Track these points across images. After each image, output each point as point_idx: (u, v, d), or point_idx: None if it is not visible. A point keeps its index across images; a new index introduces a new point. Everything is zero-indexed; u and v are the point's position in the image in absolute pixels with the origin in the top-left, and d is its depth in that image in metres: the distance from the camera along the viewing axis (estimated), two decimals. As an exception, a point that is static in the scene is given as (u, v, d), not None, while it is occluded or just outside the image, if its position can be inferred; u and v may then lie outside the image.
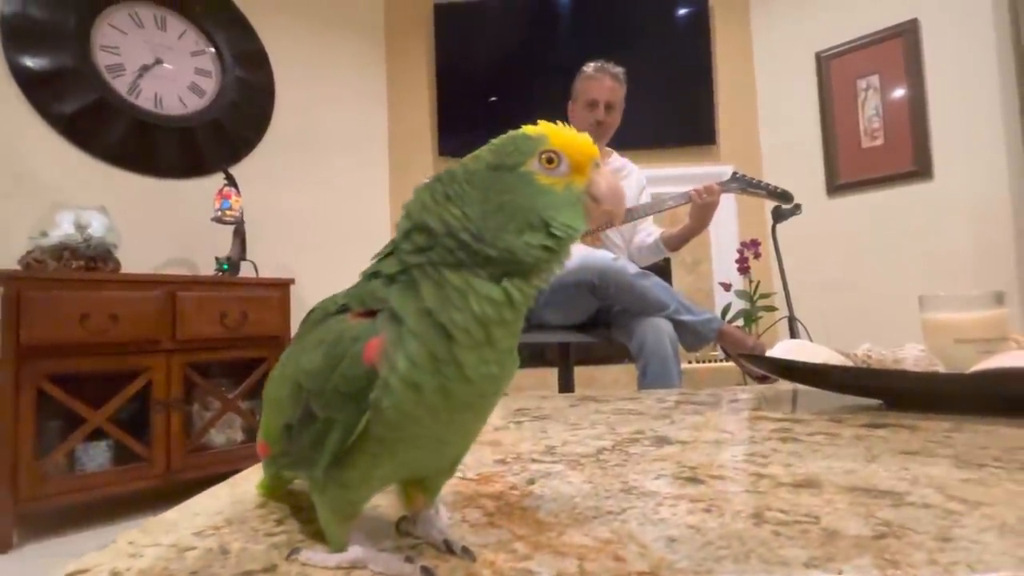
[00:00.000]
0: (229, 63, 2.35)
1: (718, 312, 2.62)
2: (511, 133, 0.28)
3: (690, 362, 2.49)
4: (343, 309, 0.29)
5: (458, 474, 0.44)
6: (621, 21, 2.95)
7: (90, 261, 1.72)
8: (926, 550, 0.27)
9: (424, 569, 0.26)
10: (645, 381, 1.51)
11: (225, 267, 2.04)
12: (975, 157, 2.30)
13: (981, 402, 0.57)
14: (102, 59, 2.05)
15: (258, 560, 0.28)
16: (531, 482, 0.41)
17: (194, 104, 2.26)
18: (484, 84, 2.98)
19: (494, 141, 0.28)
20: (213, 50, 2.33)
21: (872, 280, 2.54)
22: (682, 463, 0.45)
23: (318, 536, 0.30)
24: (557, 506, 0.35)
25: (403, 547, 0.30)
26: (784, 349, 0.79)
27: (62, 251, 1.68)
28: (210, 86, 2.31)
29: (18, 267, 1.68)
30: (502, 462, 0.48)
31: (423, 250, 0.27)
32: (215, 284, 1.95)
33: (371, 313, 0.27)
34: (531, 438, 0.57)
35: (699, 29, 2.94)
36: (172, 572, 0.27)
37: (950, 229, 2.35)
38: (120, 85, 2.08)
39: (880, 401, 0.68)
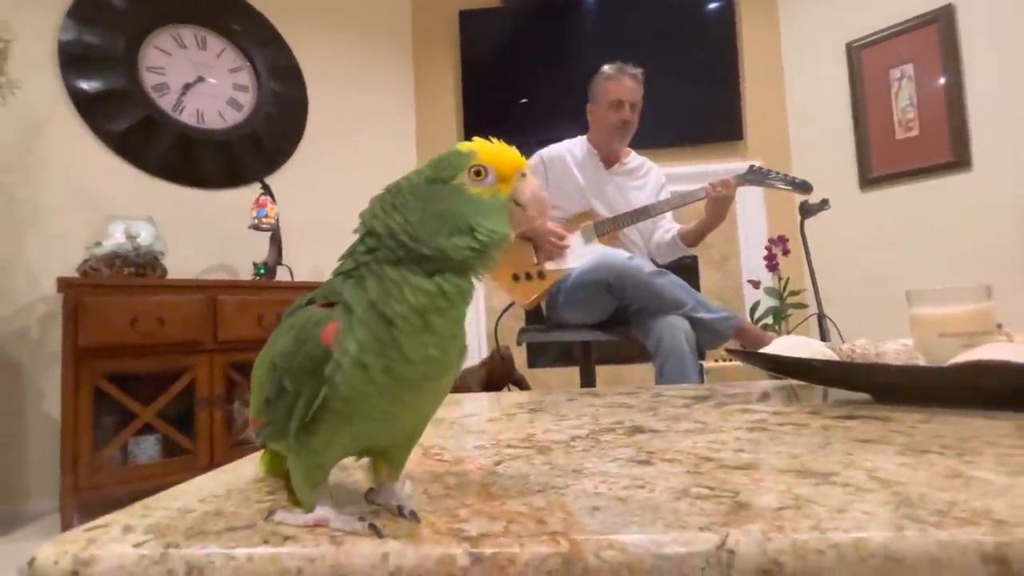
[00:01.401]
0: (265, 78, 2.48)
1: (747, 310, 2.59)
2: (448, 150, 0.33)
3: (716, 360, 2.48)
4: (311, 301, 0.34)
5: (435, 456, 0.49)
6: (646, 18, 2.95)
7: (139, 268, 1.86)
8: (817, 518, 0.30)
9: (371, 526, 0.30)
10: (662, 379, 1.53)
11: (262, 271, 2.15)
12: (1016, 146, 2.21)
13: (959, 394, 0.58)
14: (149, 79, 2.19)
15: (242, 520, 0.34)
16: (498, 463, 0.45)
17: (233, 118, 2.39)
18: (510, 88, 3.03)
19: (434, 157, 0.33)
20: (250, 66, 2.45)
21: (908, 276, 2.46)
22: (643, 449, 0.48)
23: (299, 505, 0.35)
24: (511, 483, 0.40)
25: (364, 511, 0.34)
26: (780, 345, 0.80)
27: (114, 259, 1.82)
28: (247, 100, 2.44)
29: (76, 275, 1.82)
30: (480, 447, 0.52)
31: (372, 251, 0.32)
32: (253, 288, 2.06)
33: (332, 304, 0.32)
34: (516, 428, 0.61)
35: (725, 23, 2.91)
36: (172, 527, 0.33)
37: (990, 221, 2.26)
38: (165, 103, 2.22)
39: (868, 395, 0.69)
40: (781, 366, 0.71)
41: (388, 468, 0.36)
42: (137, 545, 0.30)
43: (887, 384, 0.62)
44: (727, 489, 0.35)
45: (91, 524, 0.34)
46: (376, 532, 0.30)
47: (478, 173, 0.31)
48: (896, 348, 0.63)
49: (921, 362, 0.63)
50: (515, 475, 0.42)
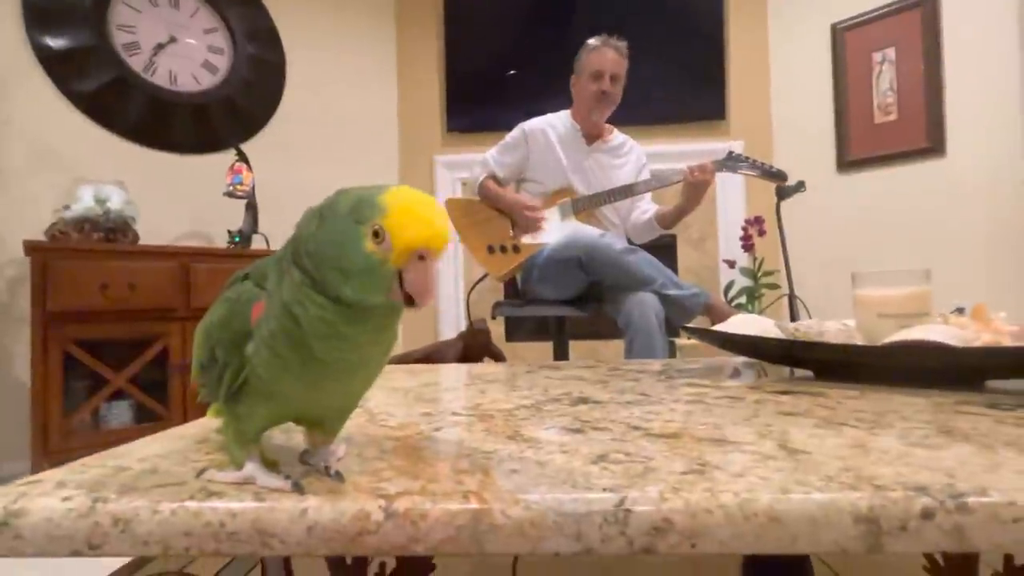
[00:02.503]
0: (241, 41, 2.41)
1: (721, 289, 2.63)
2: (375, 192, 0.30)
3: (688, 337, 2.52)
4: (247, 276, 0.35)
5: (380, 422, 0.50)
6: (633, -7, 2.90)
7: (109, 233, 1.83)
8: (713, 480, 0.32)
9: (294, 484, 0.32)
10: (631, 355, 1.56)
11: (237, 239, 2.13)
12: (990, 134, 2.24)
13: (890, 372, 0.61)
14: (119, 38, 2.12)
15: (174, 477, 0.35)
16: (437, 430, 0.47)
17: (207, 81, 2.33)
18: (493, 60, 2.98)
19: (366, 192, 0.30)
20: (225, 27, 2.38)
21: (879, 258, 2.51)
22: (580, 418, 0.50)
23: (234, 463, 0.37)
24: (444, 447, 0.41)
25: (296, 471, 0.36)
26: (733, 324, 0.83)
27: (83, 224, 1.78)
28: (223, 63, 2.37)
29: (44, 239, 1.79)
30: (427, 415, 0.54)
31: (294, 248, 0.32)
32: (227, 256, 2.04)
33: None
34: (467, 398, 0.63)
35: (713, 1, 2.88)
36: (104, 484, 0.34)
37: (962, 207, 2.31)
38: (136, 63, 2.16)
39: (811, 372, 0.71)
40: (731, 343, 0.74)
41: (322, 434, 0.38)
42: (66, 499, 0.32)
43: (825, 361, 0.65)
44: (643, 455, 0.37)
45: (27, 479, 0.35)
46: (298, 489, 0.32)
47: (376, 234, 0.29)
48: (837, 328, 0.66)
49: (859, 341, 0.65)
50: (450, 440, 0.43)
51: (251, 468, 0.34)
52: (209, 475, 0.34)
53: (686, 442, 0.41)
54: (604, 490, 0.31)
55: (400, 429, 0.48)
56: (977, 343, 0.59)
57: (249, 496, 0.31)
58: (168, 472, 0.36)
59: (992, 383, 0.61)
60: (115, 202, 1.84)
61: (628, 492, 0.30)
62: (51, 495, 0.32)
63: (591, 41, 1.85)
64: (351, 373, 0.33)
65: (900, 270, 0.66)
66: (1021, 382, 0.62)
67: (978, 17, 2.26)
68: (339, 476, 0.34)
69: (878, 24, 2.50)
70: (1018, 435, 0.40)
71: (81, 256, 1.74)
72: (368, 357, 0.33)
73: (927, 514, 0.28)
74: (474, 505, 0.30)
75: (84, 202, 1.80)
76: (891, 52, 2.46)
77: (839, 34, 2.61)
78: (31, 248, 1.69)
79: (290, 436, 0.45)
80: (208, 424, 0.51)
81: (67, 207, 1.80)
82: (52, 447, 1.66)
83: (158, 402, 1.86)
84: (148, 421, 1.85)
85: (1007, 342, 0.59)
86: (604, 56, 1.81)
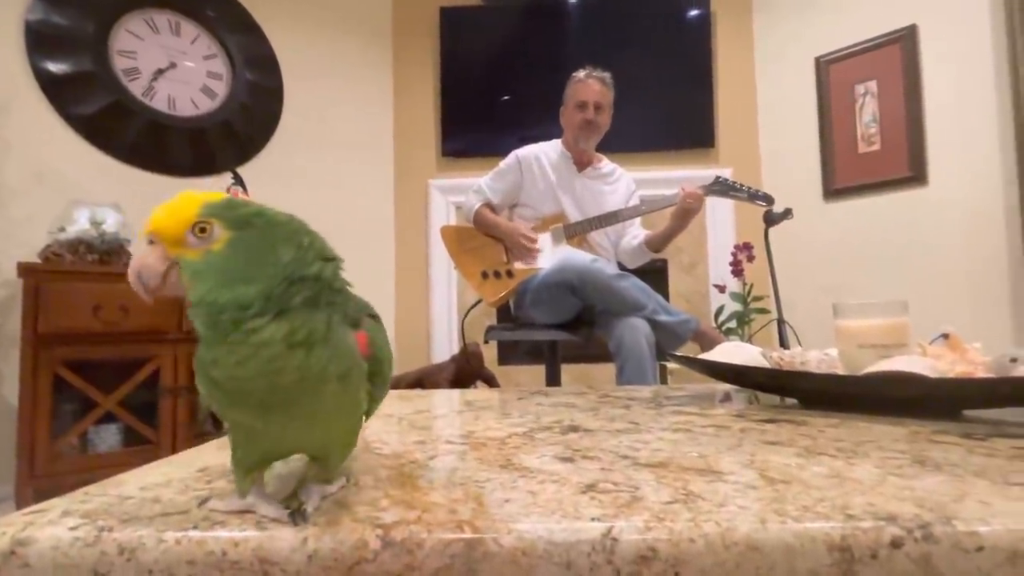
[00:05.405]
0: (240, 66, 2.45)
1: (711, 314, 2.66)
2: None
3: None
4: None
5: (375, 450, 0.52)
6: (624, 24, 2.99)
7: (104, 255, 1.84)
8: (697, 511, 0.33)
9: (292, 514, 0.33)
10: (623, 379, 1.57)
11: (231, 262, 2.14)
12: (970, 163, 2.31)
13: (871, 401, 0.63)
14: (119, 63, 2.16)
15: (177, 506, 0.36)
16: (432, 458, 0.48)
17: (206, 106, 2.37)
18: (487, 86, 3.05)
19: None
20: (225, 54, 2.43)
21: (867, 284, 2.56)
22: (570, 447, 0.51)
23: (236, 490, 0.38)
24: (437, 476, 0.42)
25: (296, 499, 0.37)
26: (719, 351, 0.85)
27: (78, 245, 1.79)
28: (221, 88, 2.41)
29: (38, 260, 1.79)
30: (420, 443, 0.55)
31: None
32: (221, 278, 2.05)
33: None
34: (459, 425, 0.64)
35: (701, 33, 2.97)
36: (108, 513, 0.35)
37: (944, 234, 2.37)
38: (136, 88, 2.19)
39: (796, 400, 0.73)
40: (715, 371, 0.76)
41: (317, 468, 0.39)
42: (73, 528, 0.33)
43: (808, 390, 0.67)
44: (630, 485, 0.39)
45: (31, 508, 0.36)
46: (295, 520, 0.33)
47: None
48: (818, 357, 0.68)
49: (840, 371, 0.68)
50: (443, 469, 0.45)
51: (252, 497, 0.35)
52: (212, 504, 0.35)
53: (672, 471, 0.42)
54: (592, 519, 0.32)
55: (395, 458, 0.49)
56: (951, 374, 0.61)
57: (251, 525, 0.33)
58: (171, 501, 0.37)
59: (969, 412, 0.64)
60: (110, 224, 1.85)
61: (615, 522, 0.32)
62: (57, 524, 0.33)
63: (577, 73, 1.92)
64: (291, 403, 0.32)
65: (879, 301, 0.68)
66: (996, 411, 0.64)
67: (956, 51, 2.35)
68: (302, 516, 0.33)
69: (860, 58, 2.59)
70: (986, 465, 0.42)
71: (74, 278, 1.74)
72: (286, 385, 0.31)
73: (896, 543, 0.30)
74: (468, 534, 0.31)
75: (79, 224, 1.81)
76: (873, 85, 2.55)
77: (823, 67, 2.70)
78: (24, 269, 1.69)
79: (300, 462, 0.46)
80: (206, 451, 0.52)
81: (62, 229, 1.81)
82: (38, 471, 1.64)
83: (148, 426, 1.85)
84: (137, 444, 1.84)
85: (980, 372, 0.61)
86: (589, 87, 1.87)
